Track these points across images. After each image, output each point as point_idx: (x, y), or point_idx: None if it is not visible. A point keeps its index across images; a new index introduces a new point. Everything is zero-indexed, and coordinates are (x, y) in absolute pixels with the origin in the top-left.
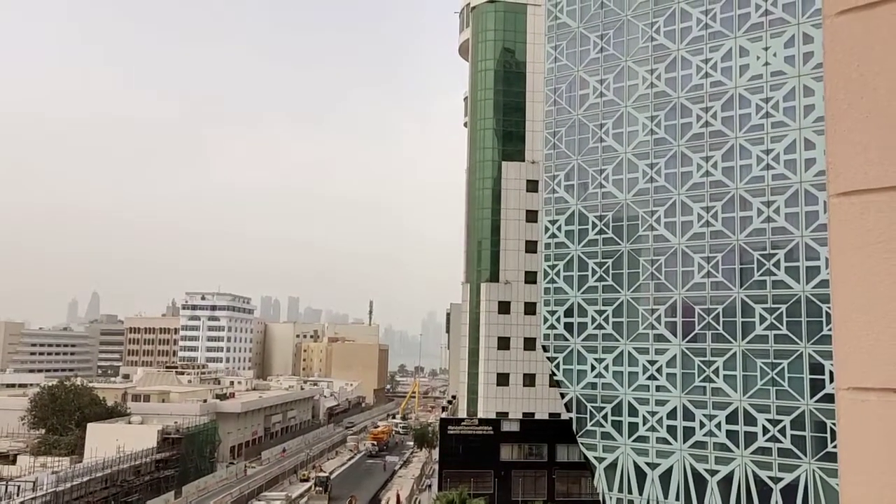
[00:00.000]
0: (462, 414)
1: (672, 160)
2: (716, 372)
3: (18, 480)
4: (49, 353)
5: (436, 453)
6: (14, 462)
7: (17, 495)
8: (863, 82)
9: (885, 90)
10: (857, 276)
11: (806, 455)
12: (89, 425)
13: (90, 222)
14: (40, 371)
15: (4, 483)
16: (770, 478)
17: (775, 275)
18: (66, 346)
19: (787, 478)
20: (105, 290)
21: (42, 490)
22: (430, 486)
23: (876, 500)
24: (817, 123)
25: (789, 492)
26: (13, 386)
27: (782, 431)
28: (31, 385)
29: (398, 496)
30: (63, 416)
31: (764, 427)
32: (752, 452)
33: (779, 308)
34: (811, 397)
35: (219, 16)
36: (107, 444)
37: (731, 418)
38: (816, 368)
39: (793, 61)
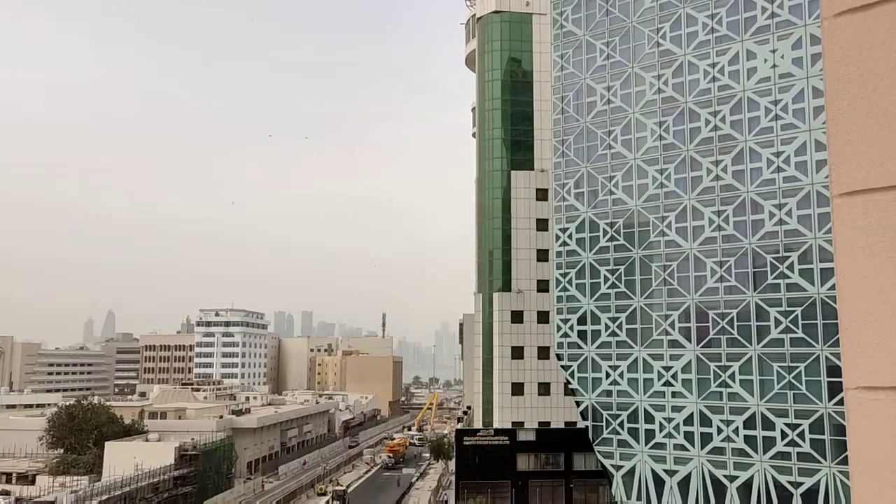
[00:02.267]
0: (477, 424)
1: (682, 165)
2: (732, 377)
3: (38, 501)
4: (66, 373)
5: (452, 465)
6: (33, 482)
7: None
8: (862, 83)
9: (884, 90)
10: (862, 276)
11: (826, 459)
12: (107, 444)
13: (101, 232)
14: (57, 391)
15: (24, 503)
16: (790, 483)
17: (789, 277)
18: (82, 365)
19: (808, 482)
20: (120, 308)
21: None
22: (447, 501)
23: (887, 497)
24: None
25: (810, 496)
26: (31, 406)
27: (801, 435)
28: (49, 405)
29: None
30: (81, 435)
31: (782, 431)
32: (772, 457)
33: (794, 311)
34: (829, 400)
35: (227, 32)
36: (125, 462)
37: (749, 423)
38: (834, 371)
39: (801, 63)
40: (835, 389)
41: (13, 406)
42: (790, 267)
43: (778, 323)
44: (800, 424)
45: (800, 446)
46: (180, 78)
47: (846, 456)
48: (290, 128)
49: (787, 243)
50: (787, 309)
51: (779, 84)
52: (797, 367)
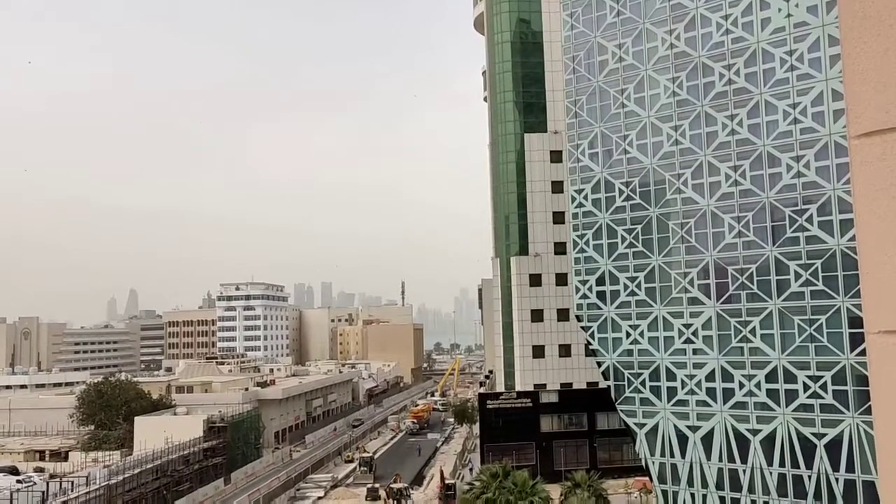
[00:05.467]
0: (500, 388)
1: (696, 121)
2: (752, 332)
3: (72, 476)
4: (92, 351)
5: (477, 428)
6: (66, 459)
7: (72, 491)
8: (878, 19)
9: None
10: (881, 219)
11: (849, 409)
12: (136, 419)
13: (119, 218)
14: (85, 369)
15: (59, 479)
16: (813, 434)
17: (808, 230)
18: (108, 343)
19: (831, 433)
20: (141, 286)
21: (95, 484)
22: (471, 468)
23: None
24: None
25: (834, 447)
26: (60, 385)
27: (823, 387)
28: (78, 383)
29: (441, 472)
30: (110, 411)
31: (804, 384)
32: (794, 410)
33: (814, 263)
34: (851, 351)
35: (224, 9)
36: (155, 436)
37: (771, 377)
38: (856, 322)
39: (816, 11)
40: (857, 340)
41: (42, 385)
42: (809, 219)
43: (798, 276)
44: (822, 376)
45: (822, 398)
46: (179, 66)
47: (869, 406)
48: (297, 114)
49: (805, 196)
50: (807, 262)
51: (794, 34)
52: (818, 320)
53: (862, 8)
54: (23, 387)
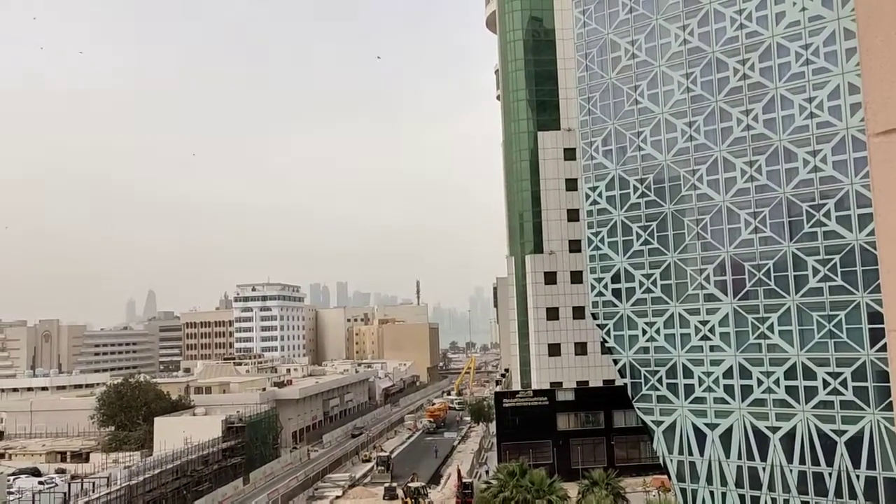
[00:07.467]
0: (516, 386)
1: (711, 117)
2: (770, 328)
3: (93, 477)
4: (112, 353)
5: (493, 427)
6: (87, 460)
7: (93, 491)
8: None
9: None
10: None
11: (869, 406)
12: (156, 419)
13: (134, 219)
14: (105, 370)
15: (80, 480)
16: (833, 431)
17: (826, 225)
18: (127, 344)
19: (852, 430)
20: (159, 287)
21: (116, 485)
22: (488, 467)
23: None
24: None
25: (854, 443)
26: (80, 386)
27: (843, 384)
28: (98, 384)
29: (459, 471)
30: (130, 412)
31: (824, 380)
32: (814, 407)
33: (832, 259)
34: (871, 347)
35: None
36: (174, 436)
37: (790, 374)
38: (875, 317)
39: (831, 4)
40: (877, 336)
41: (63, 387)
42: (827, 214)
43: (816, 272)
44: (842, 373)
45: (842, 394)
46: (190, 62)
47: (890, 402)
48: (317, 108)
49: (822, 190)
50: (825, 257)
51: (808, 27)
52: (837, 316)
53: (879, 4)
54: (44, 389)
